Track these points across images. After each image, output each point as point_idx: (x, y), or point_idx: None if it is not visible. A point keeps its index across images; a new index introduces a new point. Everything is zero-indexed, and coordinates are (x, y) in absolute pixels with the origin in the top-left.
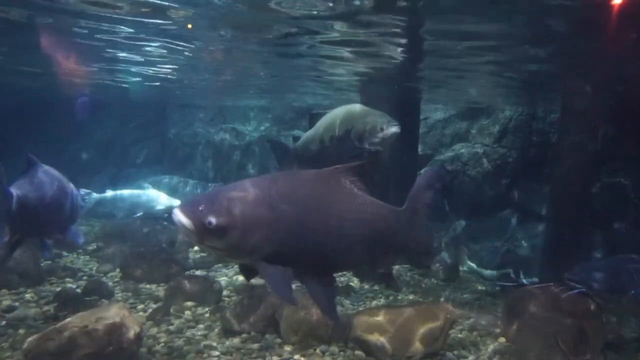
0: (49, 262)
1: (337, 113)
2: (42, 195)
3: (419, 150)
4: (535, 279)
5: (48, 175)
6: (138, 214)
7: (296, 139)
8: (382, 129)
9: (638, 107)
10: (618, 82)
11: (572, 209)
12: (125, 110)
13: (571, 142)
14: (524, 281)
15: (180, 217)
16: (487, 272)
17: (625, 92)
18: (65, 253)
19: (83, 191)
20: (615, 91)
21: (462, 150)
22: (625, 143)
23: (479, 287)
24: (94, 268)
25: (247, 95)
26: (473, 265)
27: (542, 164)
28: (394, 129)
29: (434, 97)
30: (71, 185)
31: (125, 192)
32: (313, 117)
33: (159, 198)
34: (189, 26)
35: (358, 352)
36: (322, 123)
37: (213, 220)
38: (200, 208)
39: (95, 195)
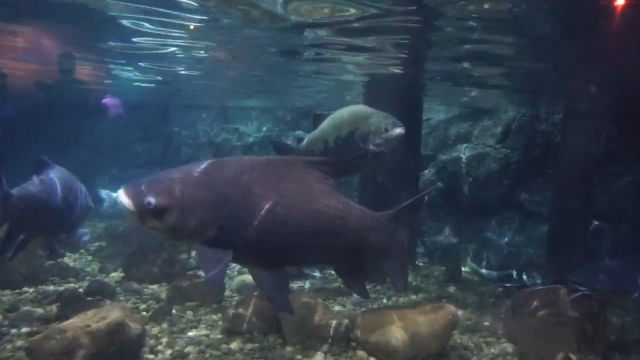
0: (52, 262)
1: (342, 114)
2: (49, 196)
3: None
4: (538, 281)
5: (58, 175)
6: None
7: (300, 140)
8: (386, 130)
9: None
10: (621, 83)
11: (575, 210)
12: (127, 110)
13: (574, 143)
14: (527, 282)
15: (122, 197)
16: (490, 273)
17: (628, 93)
18: (67, 253)
19: (103, 191)
20: (618, 92)
21: (465, 151)
22: (628, 144)
23: (482, 289)
24: (97, 268)
25: (249, 96)
26: (475, 266)
27: (545, 165)
28: (399, 130)
29: (437, 98)
30: (81, 186)
31: None
32: (317, 118)
33: None
34: (191, 27)
35: (360, 353)
36: (326, 124)
37: (152, 200)
38: (141, 188)
39: (114, 194)
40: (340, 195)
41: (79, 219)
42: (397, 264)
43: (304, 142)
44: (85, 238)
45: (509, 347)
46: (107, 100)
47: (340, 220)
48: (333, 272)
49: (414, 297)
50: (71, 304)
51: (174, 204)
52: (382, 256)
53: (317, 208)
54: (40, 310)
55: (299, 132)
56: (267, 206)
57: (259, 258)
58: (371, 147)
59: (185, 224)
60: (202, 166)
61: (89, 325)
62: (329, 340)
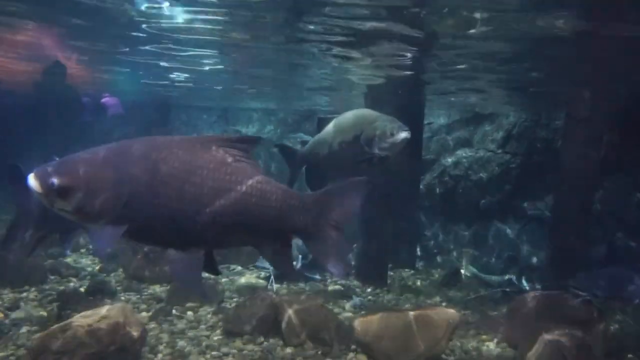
0: (53, 260)
1: (346, 117)
2: None
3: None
4: (538, 285)
5: None
6: None
7: (303, 143)
8: (392, 134)
9: None
10: (622, 90)
11: (575, 216)
12: (128, 111)
13: (575, 149)
14: (527, 287)
15: (30, 179)
16: (490, 278)
17: (629, 99)
18: (69, 252)
19: None
20: (619, 99)
21: (466, 156)
22: (629, 150)
23: (481, 293)
24: (98, 267)
25: (252, 97)
26: (475, 270)
27: (545, 170)
28: (404, 135)
29: (438, 103)
30: None
31: None
32: (322, 122)
33: None
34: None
35: (360, 356)
36: (331, 127)
37: (55, 180)
38: (48, 170)
39: None
40: (261, 173)
41: None
42: (327, 247)
43: (308, 145)
44: None
45: (508, 352)
46: (107, 100)
47: (260, 200)
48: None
49: (414, 300)
50: (72, 303)
51: (78, 184)
52: (308, 237)
53: (233, 187)
54: (41, 310)
55: (300, 135)
56: (175, 185)
57: (170, 238)
58: (376, 151)
59: (90, 204)
60: (111, 146)
61: (89, 325)
62: (329, 342)
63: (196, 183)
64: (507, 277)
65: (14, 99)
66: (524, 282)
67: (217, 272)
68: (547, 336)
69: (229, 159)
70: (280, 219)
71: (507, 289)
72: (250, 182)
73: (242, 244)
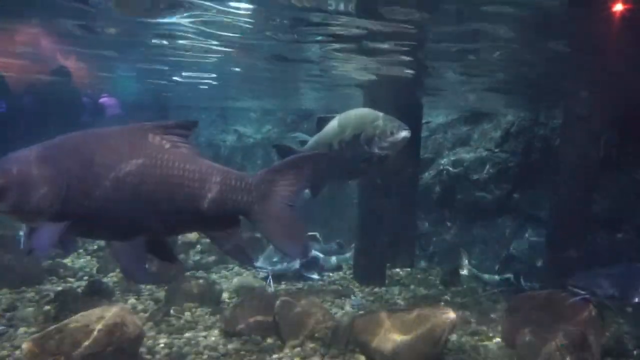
0: (50, 261)
1: (346, 117)
2: None
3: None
4: (536, 285)
5: None
6: None
7: (303, 142)
8: (392, 133)
9: None
10: (621, 89)
11: (574, 215)
12: (126, 111)
13: (573, 148)
14: (525, 286)
15: None
16: (488, 277)
17: (628, 98)
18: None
19: None
20: (618, 97)
21: (464, 155)
22: (628, 149)
23: (480, 292)
24: (95, 268)
25: (250, 97)
26: (474, 269)
27: (544, 169)
28: (405, 134)
29: (437, 101)
30: None
31: None
32: (321, 121)
33: None
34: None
35: (358, 355)
36: (330, 127)
37: None
38: None
39: None
40: (200, 157)
41: None
42: (278, 227)
43: (308, 145)
44: None
45: (506, 351)
46: (105, 100)
47: (200, 183)
48: (331, 274)
49: (412, 300)
50: (69, 304)
51: (11, 183)
52: (255, 219)
53: (171, 173)
54: (38, 310)
55: (298, 134)
56: (111, 176)
57: (111, 229)
58: (376, 150)
59: (26, 202)
60: (46, 143)
61: (87, 325)
62: (328, 343)
63: (133, 172)
64: (505, 276)
65: (19, 99)
66: (523, 281)
67: (173, 259)
68: (545, 335)
69: (167, 146)
70: (223, 201)
71: (506, 288)
72: (189, 166)
73: (189, 229)
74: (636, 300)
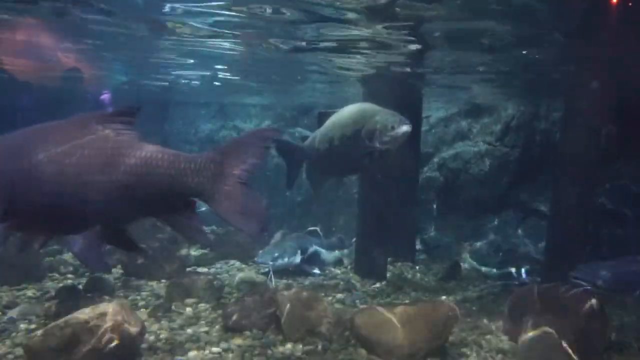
0: (51, 258)
1: (347, 112)
2: None
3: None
4: (538, 278)
5: None
6: (202, 209)
7: (304, 138)
8: (393, 128)
9: None
10: (622, 81)
11: (575, 208)
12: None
13: (574, 141)
14: (527, 280)
15: None
16: (489, 271)
17: (629, 91)
18: (66, 249)
19: None
20: (619, 90)
21: (464, 149)
22: (629, 142)
23: (481, 286)
24: None
25: (249, 93)
26: (475, 263)
27: (544, 162)
28: (405, 128)
29: (436, 94)
30: None
31: None
32: (322, 116)
33: None
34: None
35: (360, 350)
36: (331, 122)
37: None
38: None
39: None
40: (146, 143)
41: None
42: (234, 205)
43: (309, 140)
44: None
45: (508, 344)
46: (105, 96)
47: (148, 169)
48: (333, 269)
49: (413, 294)
50: (70, 301)
51: None
52: (209, 199)
53: (117, 161)
54: (39, 307)
55: (298, 129)
56: (56, 170)
57: (62, 224)
58: (377, 145)
59: None
60: None
61: (87, 322)
62: (329, 337)
63: (78, 164)
64: (506, 269)
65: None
66: (524, 275)
67: (133, 247)
68: (547, 328)
69: (111, 134)
70: (173, 185)
71: (507, 282)
72: (135, 153)
73: (143, 216)
74: (637, 292)
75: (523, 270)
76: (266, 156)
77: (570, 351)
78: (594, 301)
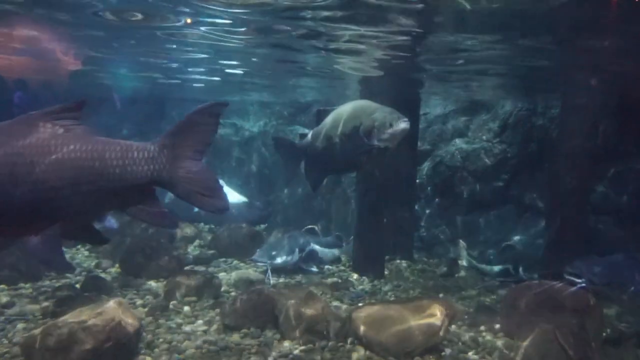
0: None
1: (345, 109)
2: None
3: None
4: (535, 275)
5: None
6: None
7: (302, 136)
8: (391, 125)
9: (639, 102)
10: (619, 78)
11: (572, 205)
12: (123, 104)
13: (571, 137)
14: (524, 277)
15: None
16: (487, 268)
17: (626, 88)
18: (64, 248)
19: None
20: (616, 87)
21: (462, 146)
22: (625, 139)
23: (479, 283)
24: (93, 263)
25: (247, 90)
26: (472, 260)
27: (542, 159)
28: (404, 125)
29: (434, 91)
30: None
31: None
32: (320, 114)
33: (232, 194)
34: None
35: (357, 348)
36: (329, 120)
37: None
38: None
39: None
40: (96, 136)
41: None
42: (193, 186)
43: (307, 138)
44: (115, 226)
45: (505, 342)
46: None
47: (100, 162)
48: (330, 267)
49: (410, 291)
50: (67, 300)
51: None
52: (167, 185)
53: (68, 157)
54: (36, 306)
55: (296, 127)
56: (5, 172)
57: (20, 226)
58: (376, 142)
59: None
60: None
61: (85, 321)
62: (327, 336)
63: (28, 164)
64: (504, 266)
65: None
66: (521, 272)
67: (101, 240)
68: (544, 325)
69: (60, 131)
70: (128, 175)
71: (505, 279)
72: (85, 147)
73: (103, 209)
74: (633, 288)
75: (520, 267)
76: (217, 131)
77: (566, 347)
78: (589, 297)
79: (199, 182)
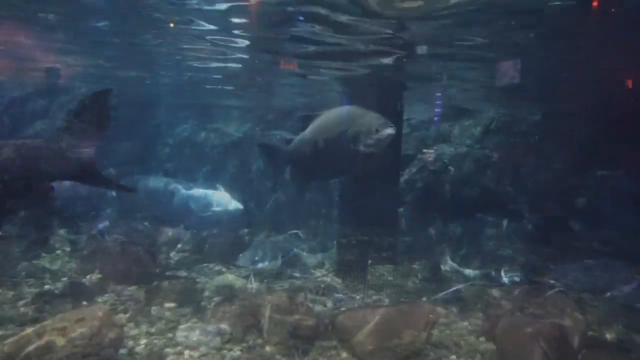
0: (27, 263)
1: (331, 115)
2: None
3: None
4: (517, 279)
5: None
6: (208, 213)
7: (288, 141)
8: (377, 131)
9: (621, 108)
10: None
11: (554, 210)
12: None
13: (553, 143)
14: (506, 281)
15: None
16: (469, 272)
17: (608, 93)
18: (44, 254)
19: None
20: (598, 92)
21: (445, 151)
22: (607, 144)
23: (461, 287)
24: (73, 269)
25: (231, 95)
26: (455, 264)
27: (524, 164)
28: (389, 131)
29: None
30: None
31: (199, 190)
32: (306, 119)
33: (228, 198)
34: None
35: (341, 352)
36: (315, 125)
37: None
38: None
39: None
40: None
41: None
42: (98, 174)
43: (293, 144)
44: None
45: (487, 345)
46: None
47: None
48: (314, 272)
49: (394, 295)
50: (48, 306)
51: None
52: (73, 178)
53: None
54: (16, 312)
55: (280, 132)
56: None
57: None
58: (362, 148)
59: None
60: None
61: (65, 327)
62: (310, 340)
63: None
64: (486, 271)
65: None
66: (503, 276)
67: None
68: (526, 329)
69: None
70: (25, 175)
71: (487, 283)
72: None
73: (8, 211)
74: (609, 293)
75: (502, 271)
76: (112, 117)
77: (548, 351)
78: (569, 300)
79: (97, 169)
